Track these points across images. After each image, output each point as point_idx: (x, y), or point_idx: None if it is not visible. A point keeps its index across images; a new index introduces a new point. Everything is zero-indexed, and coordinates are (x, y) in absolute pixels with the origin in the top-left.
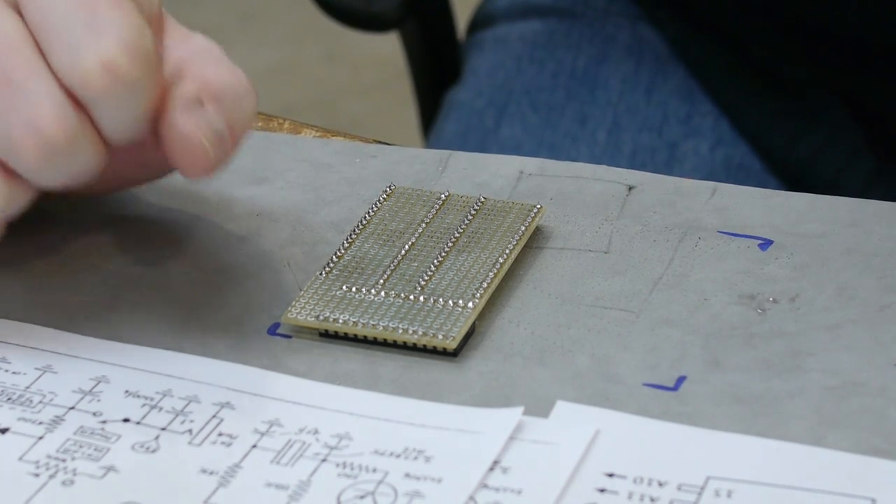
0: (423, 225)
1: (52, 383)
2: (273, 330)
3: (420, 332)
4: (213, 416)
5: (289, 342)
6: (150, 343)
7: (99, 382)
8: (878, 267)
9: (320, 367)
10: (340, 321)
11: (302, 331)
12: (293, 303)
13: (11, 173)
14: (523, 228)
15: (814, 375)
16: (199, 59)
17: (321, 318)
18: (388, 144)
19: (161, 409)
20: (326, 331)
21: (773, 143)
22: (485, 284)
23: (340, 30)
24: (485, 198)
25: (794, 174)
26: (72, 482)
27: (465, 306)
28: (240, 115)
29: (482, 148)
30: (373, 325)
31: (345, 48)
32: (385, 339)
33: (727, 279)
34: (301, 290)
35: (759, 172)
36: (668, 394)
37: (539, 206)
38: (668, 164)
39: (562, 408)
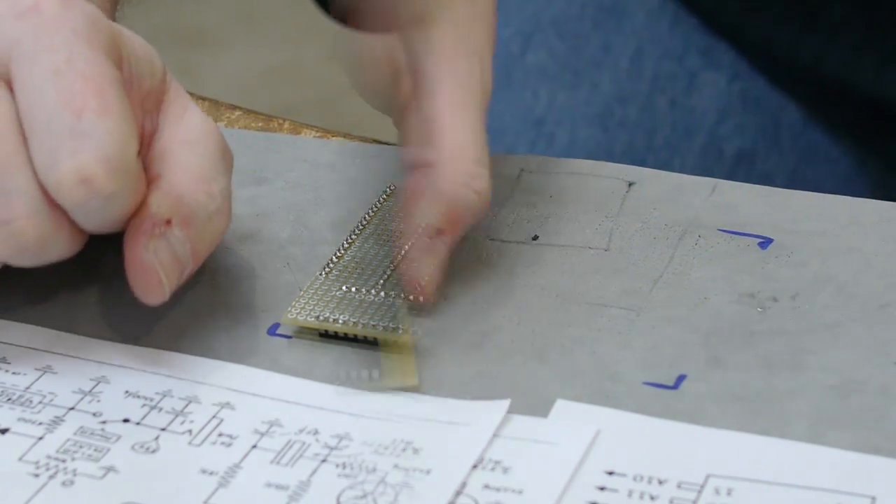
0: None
1: (52, 384)
2: (273, 330)
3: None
4: (213, 417)
5: (289, 342)
6: (151, 343)
7: (99, 383)
8: (879, 265)
9: (320, 367)
10: (340, 321)
11: (302, 331)
12: (293, 303)
13: None
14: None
15: (814, 374)
16: (183, 154)
17: (321, 318)
18: (388, 144)
19: (161, 409)
20: (326, 331)
21: (776, 51)
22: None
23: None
24: None
25: (803, 81)
26: (72, 482)
27: None
28: (207, 237)
29: (507, 74)
30: (373, 325)
31: None
32: (385, 340)
33: (727, 277)
34: (301, 291)
35: (774, 109)
36: (668, 392)
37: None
38: (686, 91)
39: (562, 406)
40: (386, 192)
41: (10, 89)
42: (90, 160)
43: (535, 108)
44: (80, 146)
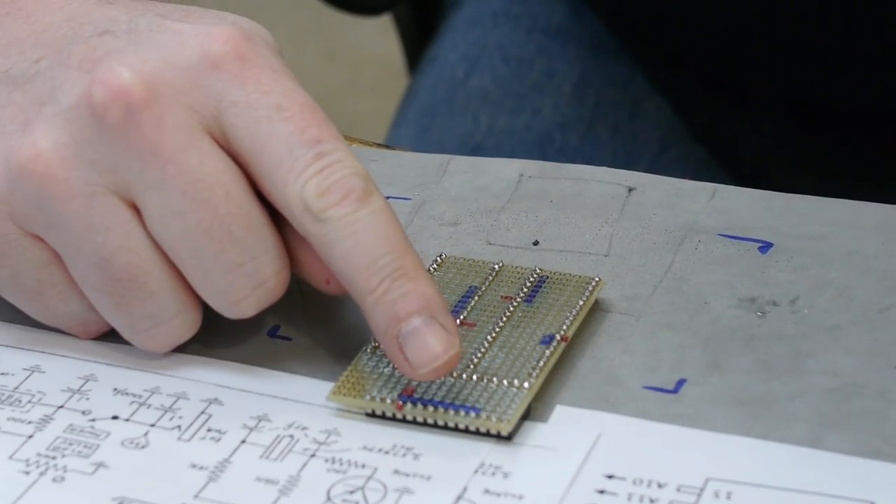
0: (476, 298)
1: (41, 383)
2: (273, 332)
3: (472, 415)
4: (202, 413)
5: (289, 344)
6: None
7: (87, 381)
8: (878, 269)
9: (321, 370)
10: (388, 401)
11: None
12: (340, 380)
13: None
14: (581, 303)
15: (814, 377)
16: None
17: (368, 397)
18: (389, 149)
19: (150, 406)
20: (373, 411)
21: (699, 120)
22: (541, 363)
23: (340, 30)
24: (540, 269)
25: (719, 153)
26: (62, 478)
27: (521, 386)
28: None
29: (450, 99)
30: (422, 406)
31: (345, 48)
32: (435, 422)
33: (727, 282)
34: (347, 369)
35: (719, 139)
36: (668, 396)
37: (597, 280)
38: (629, 119)
39: (562, 411)
40: (437, 261)
41: (225, 149)
42: (347, 174)
43: (475, 134)
44: (329, 168)
